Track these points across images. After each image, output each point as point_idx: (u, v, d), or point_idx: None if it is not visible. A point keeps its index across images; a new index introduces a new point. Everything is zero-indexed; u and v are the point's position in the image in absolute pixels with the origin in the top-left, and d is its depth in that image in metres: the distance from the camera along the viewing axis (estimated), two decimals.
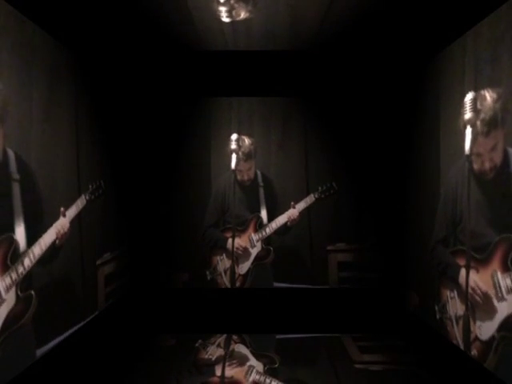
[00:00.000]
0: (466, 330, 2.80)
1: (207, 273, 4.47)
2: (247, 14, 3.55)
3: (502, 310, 2.42)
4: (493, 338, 2.49)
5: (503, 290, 2.43)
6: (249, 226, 4.47)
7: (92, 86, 3.50)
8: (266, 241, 4.47)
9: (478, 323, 2.66)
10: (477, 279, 2.69)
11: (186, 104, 4.43)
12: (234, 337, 3.90)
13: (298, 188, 4.46)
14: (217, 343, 3.74)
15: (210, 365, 3.26)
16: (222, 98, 4.42)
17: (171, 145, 4.42)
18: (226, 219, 4.50)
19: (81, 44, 3.21)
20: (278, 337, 3.96)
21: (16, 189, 2.41)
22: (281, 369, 3.20)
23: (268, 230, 4.43)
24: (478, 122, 2.60)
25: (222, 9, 3.42)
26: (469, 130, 2.70)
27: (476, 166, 2.67)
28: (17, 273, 2.38)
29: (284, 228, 4.42)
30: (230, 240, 4.45)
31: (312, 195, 4.41)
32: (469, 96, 2.70)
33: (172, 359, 3.43)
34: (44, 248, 2.67)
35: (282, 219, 4.41)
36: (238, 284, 4.41)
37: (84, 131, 3.35)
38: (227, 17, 3.56)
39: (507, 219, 2.37)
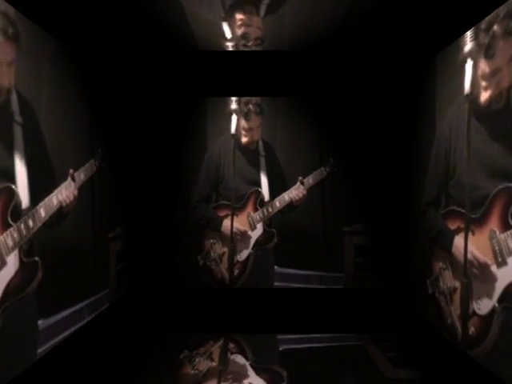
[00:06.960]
0: (462, 304, 2.59)
1: (198, 258, 3.88)
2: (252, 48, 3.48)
3: (503, 276, 2.22)
4: (493, 310, 2.29)
5: (504, 252, 2.21)
6: (247, 204, 3.84)
7: (89, 78, 3.41)
8: (269, 221, 3.82)
9: (476, 295, 2.44)
10: (472, 242, 2.46)
11: (185, 102, 4.20)
12: (231, 345, 3.21)
13: (308, 159, 3.71)
14: (207, 354, 2.99)
15: (198, 382, 2.60)
16: (222, 98, 4.10)
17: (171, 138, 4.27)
18: (219, 192, 3.79)
19: (81, 44, 3.17)
20: (283, 347, 3.21)
21: (18, 133, 2.19)
22: None
23: (271, 209, 3.81)
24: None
25: (229, 44, 3.43)
26: (469, 64, 2.42)
27: (477, 102, 2.39)
28: (19, 233, 2.10)
29: (289, 207, 3.78)
30: (224, 221, 3.81)
31: (323, 168, 3.75)
32: (469, 32, 2.43)
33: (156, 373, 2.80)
34: (50, 211, 2.43)
35: (286, 197, 3.78)
36: (236, 272, 3.79)
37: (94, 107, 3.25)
38: (233, 48, 3.50)
39: (507, 165, 2.09)
